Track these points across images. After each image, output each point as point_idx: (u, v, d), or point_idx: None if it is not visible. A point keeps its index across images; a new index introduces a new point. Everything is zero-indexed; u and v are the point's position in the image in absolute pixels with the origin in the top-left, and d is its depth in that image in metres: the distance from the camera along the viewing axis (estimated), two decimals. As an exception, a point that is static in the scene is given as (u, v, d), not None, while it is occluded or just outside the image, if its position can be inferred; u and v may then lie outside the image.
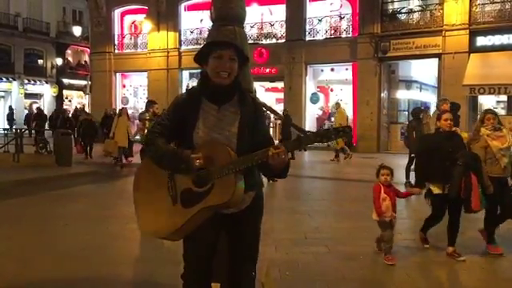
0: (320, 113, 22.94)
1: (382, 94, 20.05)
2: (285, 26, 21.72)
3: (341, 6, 21.15)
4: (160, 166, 2.56)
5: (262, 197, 2.81)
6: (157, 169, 2.58)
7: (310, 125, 21.91)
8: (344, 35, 20.81)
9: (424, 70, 21.14)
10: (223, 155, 2.44)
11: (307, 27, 21.35)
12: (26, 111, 31.80)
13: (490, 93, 17.33)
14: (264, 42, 22.26)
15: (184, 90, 2.75)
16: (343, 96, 22.41)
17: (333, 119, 18.19)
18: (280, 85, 22.71)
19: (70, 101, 39.02)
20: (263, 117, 2.76)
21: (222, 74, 2.53)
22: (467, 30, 17.82)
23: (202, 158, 2.44)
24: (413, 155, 10.26)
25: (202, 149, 2.50)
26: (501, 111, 19.03)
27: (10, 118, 30.36)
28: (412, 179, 10.12)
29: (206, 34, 20.04)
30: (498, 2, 17.70)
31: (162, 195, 2.57)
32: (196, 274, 2.67)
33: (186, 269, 2.70)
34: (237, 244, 2.70)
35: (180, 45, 24.07)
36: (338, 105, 17.65)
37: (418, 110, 11.23)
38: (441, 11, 18.45)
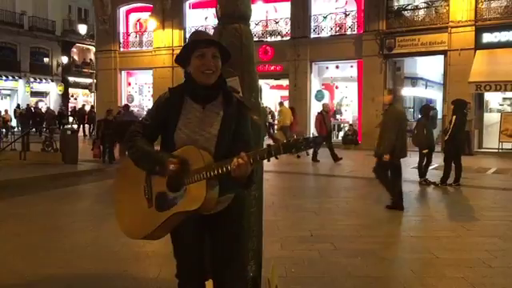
0: (325, 110, 22.88)
1: (388, 92, 19.97)
2: (290, 23, 21.68)
3: (346, 3, 21.09)
4: (138, 166, 2.56)
5: (243, 198, 2.76)
6: (135, 170, 2.57)
7: (314, 122, 21.87)
8: (349, 32, 20.76)
9: (430, 67, 21.07)
10: (196, 160, 2.39)
11: (312, 24, 21.30)
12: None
13: (496, 90, 17.24)
14: (269, 39, 22.24)
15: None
16: (348, 93, 22.39)
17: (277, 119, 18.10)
18: (285, 82, 22.70)
19: (75, 99, 39.24)
20: (246, 120, 2.63)
21: (207, 72, 2.49)
22: (473, 27, 17.73)
23: (177, 162, 2.40)
24: (424, 151, 10.30)
25: (177, 152, 2.47)
26: (507, 108, 18.96)
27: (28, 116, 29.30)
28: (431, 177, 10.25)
29: (210, 32, 19.85)
30: (504, -2, 17.61)
31: (138, 197, 2.57)
32: (187, 272, 2.68)
33: (178, 268, 2.71)
34: (215, 245, 2.67)
35: (185, 42, 24.04)
36: (280, 104, 17.78)
37: (428, 108, 11.21)
38: (446, 8, 18.37)
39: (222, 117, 2.54)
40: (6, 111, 28.94)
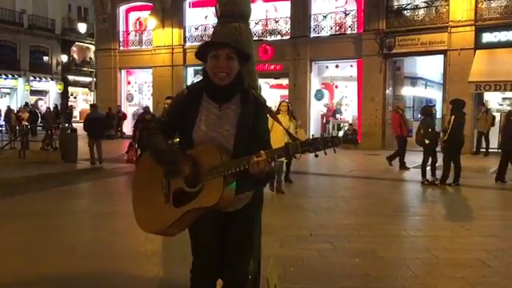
0: (325, 110, 22.91)
1: (387, 91, 19.99)
2: (289, 22, 21.67)
3: (346, 3, 21.08)
4: (155, 163, 2.60)
5: (260, 195, 2.79)
6: (154, 165, 2.61)
7: (314, 122, 21.87)
8: (349, 32, 20.74)
9: (429, 67, 21.06)
10: (213, 158, 2.43)
11: (312, 24, 21.29)
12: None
13: (495, 89, 17.25)
14: (269, 38, 22.22)
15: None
16: (348, 93, 22.39)
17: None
18: (285, 81, 22.67)
19: (75, 97, 39.22)
20: (264, 117, 2.68)
21: (220, 74, 2.51)
22: (473, 27, 17.72)
23: (189, 167, 2.46)
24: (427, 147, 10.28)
25: (195, 150, 2.52)
26: (507, 108, 18.95)
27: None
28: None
29: (210, 31, 19.93)
30: (504, -2, 17.60)
31: (156, 192, 2.60)
32: (203, 269, 2.70)
33: (194, 264, 2.73)
34: (229, 241, 2.68)
35: (185, 41, 24.08)
36: None
37: (430, 108, 11.25)
38: (446, 7, 18.36)
39: (240, 115, 2.56)
40: (23, 110, 27.78)
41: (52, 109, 31.03)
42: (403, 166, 12.72)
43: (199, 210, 2.47)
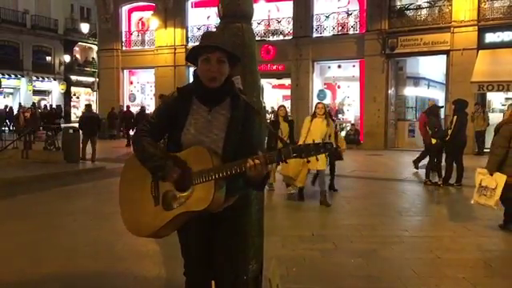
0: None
1: (390, 91, 19.97)
2: (292, 22, 21.67)
3: (348, 3, 21.05)
4: (144, 166, 2.57)
5: (247, 195, 2.79)
6: (142, 167, 2.57)
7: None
8: (351, 32, 20.72)
9: (432, 67, 21.03)
10: (204, 161, 2.42)
11: (314, 24, 21.28)
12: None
13: (498, 90, 17.21)
14: (271, 38, 22.22)
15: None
16: (350, 93, 22.36)
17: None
18: (287, 82, 22.68)
19: (77, 98, 39.26)
20: (254, 122, 2.65)
21: (211, 77, 2.51)
22: (476, 27, 17.70)
23: (177, 174, 2.45)
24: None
25: (185, 152, 2.50)
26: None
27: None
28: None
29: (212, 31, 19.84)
30: (507, -2, 17.57)
31: (145, 195, 2.57)
32: (195, 271, 2.71)
33: (186, 266, 2.74)
34: (218, 241, 2.68)
35: (187, 42, 24.07)
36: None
37: (437, 107, 11.20)
38: (449, 7, 18.33)
39: (229, 119, 2.55)
40: (27, 110, 26.73)
41: (42, 109, 30.87)
42: (416, 165, 12.42)
43: (190, 213, 2.47)
